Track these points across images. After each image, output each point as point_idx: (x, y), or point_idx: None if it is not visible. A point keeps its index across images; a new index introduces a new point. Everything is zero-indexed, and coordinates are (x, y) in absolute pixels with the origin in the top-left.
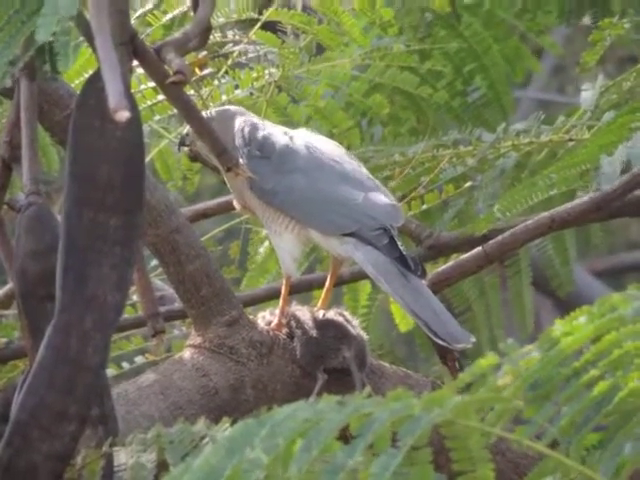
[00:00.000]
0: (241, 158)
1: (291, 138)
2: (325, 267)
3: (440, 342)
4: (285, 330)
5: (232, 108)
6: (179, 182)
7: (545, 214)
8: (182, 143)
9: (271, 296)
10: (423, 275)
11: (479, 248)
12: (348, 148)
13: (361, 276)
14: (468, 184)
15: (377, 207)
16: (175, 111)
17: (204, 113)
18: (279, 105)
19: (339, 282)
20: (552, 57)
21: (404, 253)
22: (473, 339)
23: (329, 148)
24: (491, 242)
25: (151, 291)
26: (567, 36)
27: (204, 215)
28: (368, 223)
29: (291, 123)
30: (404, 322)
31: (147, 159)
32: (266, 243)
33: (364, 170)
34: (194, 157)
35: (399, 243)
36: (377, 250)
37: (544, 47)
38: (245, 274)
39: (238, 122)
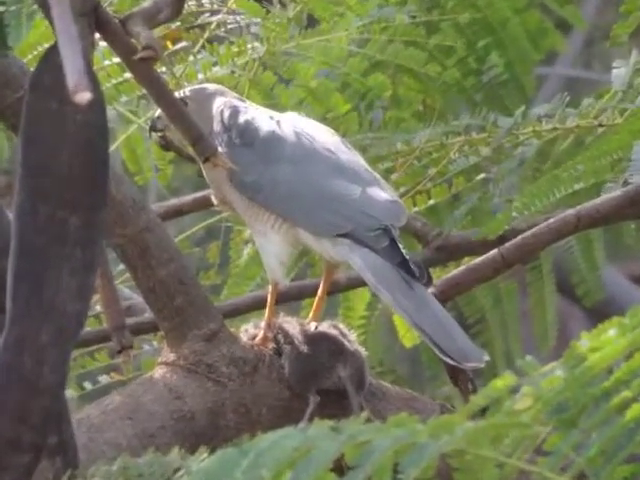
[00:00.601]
0: (220, 146)
1: (278, 123)
2: (317, 272)
3: (449, 361)
4: (271, 345)
5: (210, 87)
6: (149, 174)
7: (570, 211)
8: (153, 128)
9: (256, 306)
10: (429, 282)
11: (495, 250)
12: (344, 135)
13: (359, 282)
14: (482, 176)
15: (376, 204)
16: (144, 91)
17: (177, 94)
18: (264, 85)
19: (333, 290)
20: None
21: (407, 257)
22: (487, 357)
23: (322, 135)
24: (509, 244)
25: (117, 300)
26: (597, 7)
27: (179, 212)
28: (366, 222)
29: (278, 106)
30: (408, 336)
31: (112, 147)
32: (250, 245)
33: (362, 161)
34: (166, 145)
35: (401, 245)
36: (376, 253)
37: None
38: (226, 281)
39: (217, 104)
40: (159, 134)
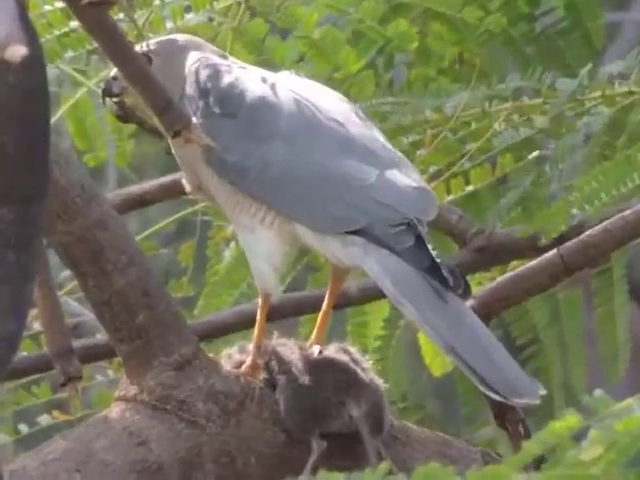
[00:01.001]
0: (194, 116)
1: (270, 86)
2: (321, 280)
3: (493, 395)
4: (262, 375)
5: (181, 39)
6: (102, 152)
7: None
8: (107, 93)
9: (241, 324)
10: (466, 293)
11: (553, 251)
12: (356, 101)
13: (375, 293)
14: (535, 154)
15: (397, 191)
16: (96, 45)
17: (138, 48)
18: (252, 37)
19: (342, 303)
20: None
21: (438, 260)
22: (542, 390)
23: (327, 101)
24: (571, 242)
25: (61, 317)
26: None
27: (141, 202)
28: (384, 215)
29: (271, 64)
30: (438, 362)
31: (54, 118)
32: (233, 245)
33: (379, 134)
34: (125, 114)
35: (430, 245)
36: (397, 256)
37: None
38: (202, 291)
39: (190, 61)
40: (115, 100)
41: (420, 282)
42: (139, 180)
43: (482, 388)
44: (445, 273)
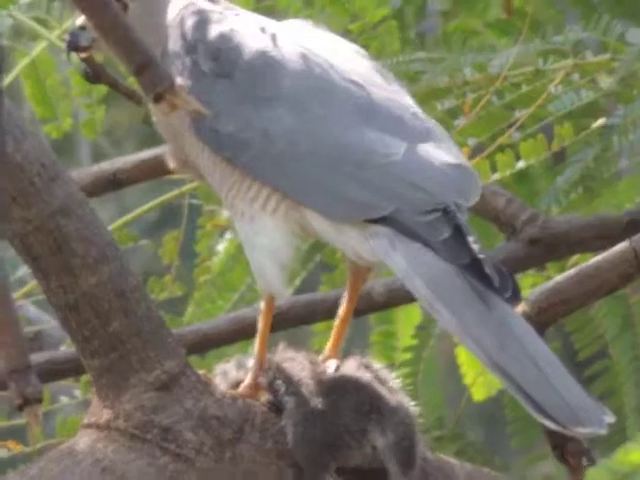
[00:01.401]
0: (180, 76)
1: (273, 39)
2: (338, 281)
3: (550, 424)
4: (265, 397)
5: None
6: (67, 121)
7: None
8: (74, 46)
9: (239, 333)
10: (516, 296)
11: (624, 244)
12: (379, 58)
13: (404, 296)
14: (601, 122)
15: (431, 169)
16: None
17: None
18: None
19: (364, 308)
20: None
21: (480, 256)
22: (611, 417)
23: (343, 57)
24: None
25: (16, 325)
26: None
27: (115, 183)
28: (414, 199)
29: (274, 12)
30: (481, 382)
31: (7, 78)
32: (228, 236)
33: (408, 99)
34: (95, 74)
35: (471, 237)
36: (431, 250)
37: None
38: (191, 294)
39: (175, 7)
40: (83, 55)
41: (459, 282)
42: (105, 156)
43: (536, 415)
44: (489, 271)
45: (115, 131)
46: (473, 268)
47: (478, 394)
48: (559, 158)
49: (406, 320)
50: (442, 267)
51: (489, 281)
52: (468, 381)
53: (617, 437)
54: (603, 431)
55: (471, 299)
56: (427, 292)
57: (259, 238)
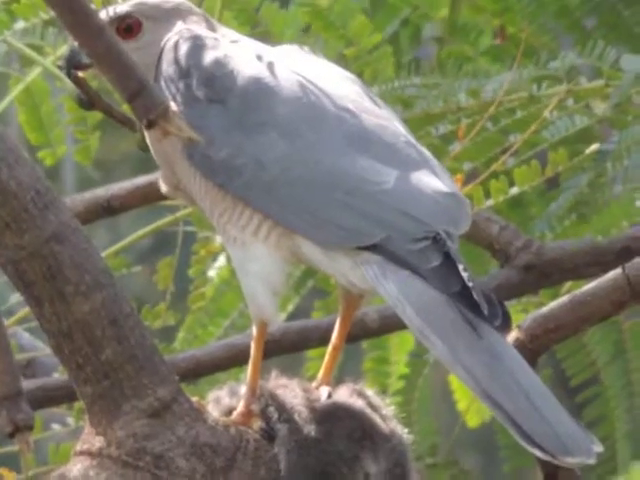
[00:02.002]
0: (173, 101)
1: (267, 65)
2: (331, 307)
3: (540, 454)
4: (258, 424)
5: (162, 1)
6: (61, 148)
7: None
8: (75, 63)
9: (232, 360)
10: (506, 325)
11: (617, 270)
12: (372, 84)
13: (399, 322)
14: (594, 148)
15: (421, 197)
16: (53, 14)
17: (104, 14)
18: (246, 4)
19: (358, 334)
20: None
21: (470, 284)
22: (599, 447)
23: (336, 84)
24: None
25: (8, 351)
26: None
27: (109, 210)
28: (405, 227)
29: (268, 37)
30: (475, 408)
31: (1, 104)
32: (222, 260)
33: (400, 126)
34: (90, 99)
35: (461, 265)
36: (421, 278)
37: None
38: (184, 319)
39: (170, 30)
40: (81, 75)
41: (449, 311)
42: (105, 181)
43: (525, 444)
44: (478, 299)
45: (108, 158)
46: (463, 296)
47: (472, 421)
48: (553, 184)
49: (399, 347)
50: (432, 295)
51: (479, 309)
52: (462, 407)
53: (608, 462)
54: (592, 461)
55: (461, 328)
56: (418, 320)
57: (251, 264)
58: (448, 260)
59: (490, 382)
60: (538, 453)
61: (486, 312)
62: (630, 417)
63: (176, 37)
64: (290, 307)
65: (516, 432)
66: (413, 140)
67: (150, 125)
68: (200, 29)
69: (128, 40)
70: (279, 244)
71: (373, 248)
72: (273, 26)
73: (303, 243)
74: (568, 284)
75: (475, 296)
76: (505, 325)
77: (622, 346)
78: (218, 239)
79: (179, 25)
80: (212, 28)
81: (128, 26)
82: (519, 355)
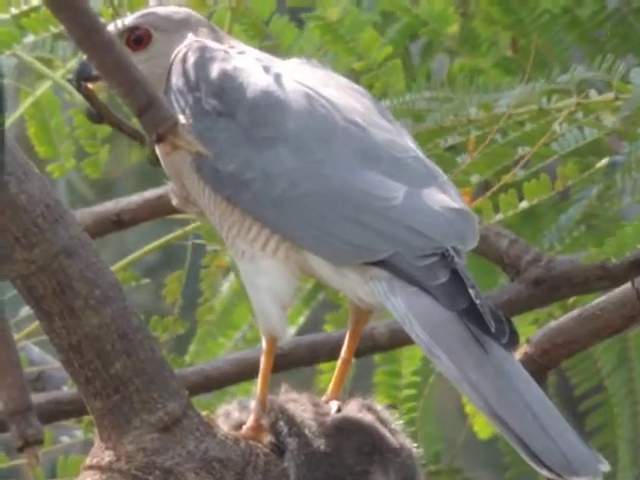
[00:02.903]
0: (182, 114)
1: (276, 78)
2: (341, 320)
3: (545, 473)
4: (268, 439)
5: (180, 12)
6: (70, 162)
7: None
8: (85, 75)
9: (241, 374)
10: (513, 342)
11: (627, 285)
12: (382, 98)
13: (406, 338)
14: (604, 162)
15: (430, 213)
16: (62, 28)
17: (113, 27)
18: (255, 18)
19: (367, 349)
20: None
21: (477, 301)
22: (605, 466)
23: (346, 98)
24: None
25: (18, 366)
26: None
27: (117, 223)
28: (413, 243)
29: (278, 51)
30: (485, 422)
31: (11, 118)
32: (232, 276)
33: (409, 141)
34: (100, 113)
35: (469, 281)
36: (428, 294)
37: None
38: (194, 333)
39: (179, 42)
40: (91, 86)
41: (457, 328)
42: (98, 198)
43: (531, 463)
44: (486, 317)
45: (117, 171)
46: (471, 313)
47: (483, 433)
48: (563, 197)
49: (409, 359)
50: (440, 312)
51: (487, 327)
52: (472, 419)
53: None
54: (598, 478)
55: (469, 345)
56: (425, 337)
57: (260, 278)
58: (456, 277)
59: (497, 400)
60: (545, 472)
61: (493, 329)
62: (634, 425)
63: (185, 49)
64: (300, 320)
65: (523, 451)
66: (422, 155)
67: (159, 139)
68: (210, 41)
69: (138, 51)
70: (288, 258)
71: (381, 264)
72: (283, 39)
73: (311, 258)
74: (575, 298)
75: (482, 313)
76: (512, 342)
77: (626, 354)
78: (228, 252)
79: (189, 36)
80: (222, 40)
81: (138, 37)
82: (526, 372)
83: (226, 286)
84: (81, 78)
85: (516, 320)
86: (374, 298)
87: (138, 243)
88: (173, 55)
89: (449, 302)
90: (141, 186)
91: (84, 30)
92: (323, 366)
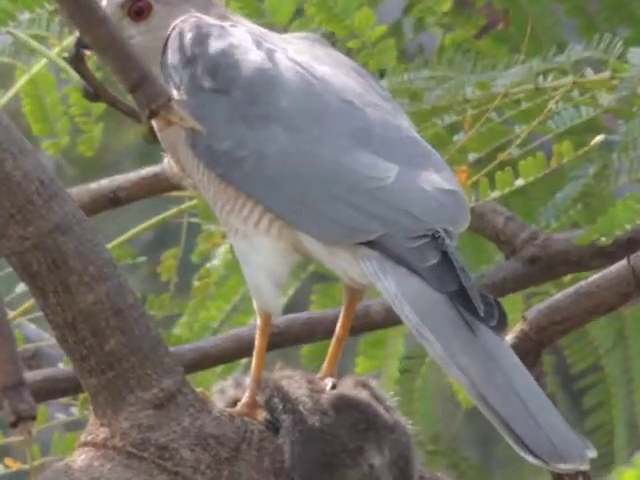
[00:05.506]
0: (176, 90)
1: (272, 56)
2: (336, 297)
3: (531, 459)
4: (263, 415)
5: None
6: (64, 138)
7: None
8: (80, 54)
9: (237, 351)
10: (502, 324)
11: (622, 262)
12: (378, 75)
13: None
14: (599, 139)
15: (421, 194)
16: (56, 4)
17: (106, 2)
18: None
19: (361, 326)
20: None
21: (466, 284)
22: (592, 452)
23: (341, 76)
24: None
25: (11, 343)
26: None
27: (114, 201)
28: (404, 224)
29: (271, 25)
30: None
31: (6, 96)
32: (225, 249)
33: (403, 120)
34: (95, 91)
35: (458, 263)
36: (418, 276)
37: None
38: (188, 310)
39: (175, 18)
40: (82, 66)
41: (446, 310)
42: (82, 177)
43: (517, 448)
44: (475, 299)
45: (113, 148)
46: (460, 295)
47: (466, 402)
48: (559, 175)
49: (402, 337)
50: (430, 294)
51: (476, 309)
52: (461, 397)
53: (606, 446)
54: (585, 467)
55: (458, 327)
56: (415, 318)
57: (254, 255)
58: (446, 258)
59: (484, 383)
60: (530, 458)
61: (482, 313)
62: (629, 404)
63: (182, 24)
64: (290, 291)
65: (509, 436)
66: (416, 135)
67: (152, 115)
68: (208, 16)
69: (138, 23)
70: (281, 236)
71: (372, 244)
72: (275, 16)
73: (303, 237)
74: (571, 276)
75: (471, 296)
76: (501, 325)
77: (623, 332)
78: (222, 229)
79: (188, 11)
80: (221, 15)
81: (139, 8)
82: (516, 357)
83: (219, 261)
84: (76, 57)
85: (511, 298)
86: (365, 278)
87: (134, 222)
88: (170, 28)
89: (439, 284)
90: (138, 165)
91: (77, 6)
92: (316, 346)
